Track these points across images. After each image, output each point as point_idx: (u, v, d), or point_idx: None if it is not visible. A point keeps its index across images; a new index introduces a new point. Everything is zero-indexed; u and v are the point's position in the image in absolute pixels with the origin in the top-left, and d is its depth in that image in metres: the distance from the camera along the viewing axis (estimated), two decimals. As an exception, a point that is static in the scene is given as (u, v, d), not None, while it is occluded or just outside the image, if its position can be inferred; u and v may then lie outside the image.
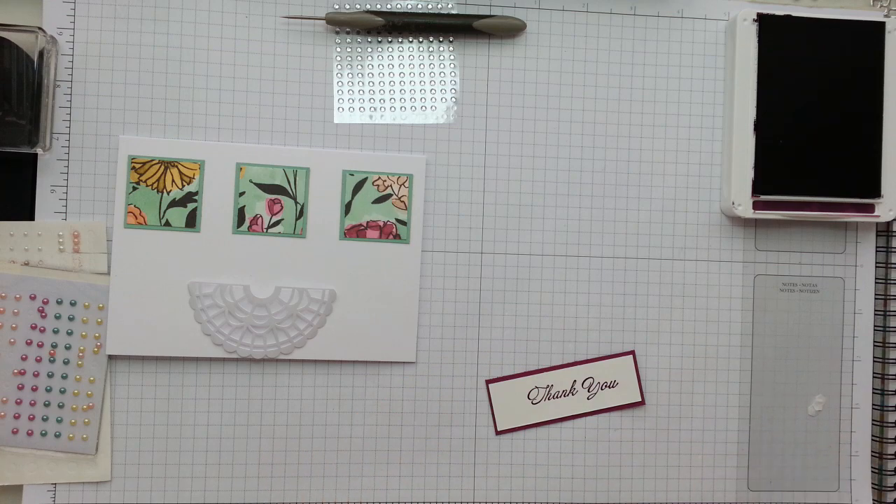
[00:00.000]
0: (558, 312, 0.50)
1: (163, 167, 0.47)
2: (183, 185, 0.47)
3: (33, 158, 0.47)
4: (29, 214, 0.47)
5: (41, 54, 0.45)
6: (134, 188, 0.47)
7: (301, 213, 0.48)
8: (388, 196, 0.48)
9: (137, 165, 0.47)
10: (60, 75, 0.47)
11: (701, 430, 0.51)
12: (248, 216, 0.48)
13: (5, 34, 0.45)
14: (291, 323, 0.47)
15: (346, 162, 0.48)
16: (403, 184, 0.49)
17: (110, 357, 0.47)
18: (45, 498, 0.47)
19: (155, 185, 0.47)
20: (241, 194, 0.48)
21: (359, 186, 0.48)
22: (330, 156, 0.48)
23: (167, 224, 0.47)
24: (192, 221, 0.47)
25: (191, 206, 0.47)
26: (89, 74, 0.47)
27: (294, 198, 0.48)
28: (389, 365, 0.49)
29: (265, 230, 0.48)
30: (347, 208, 0.48)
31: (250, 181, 0.48)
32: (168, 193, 0.47)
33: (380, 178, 0.48)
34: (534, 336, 0.50)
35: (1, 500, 0.47)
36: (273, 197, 0.48)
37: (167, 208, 0.47)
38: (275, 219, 0.48)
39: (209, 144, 0.47)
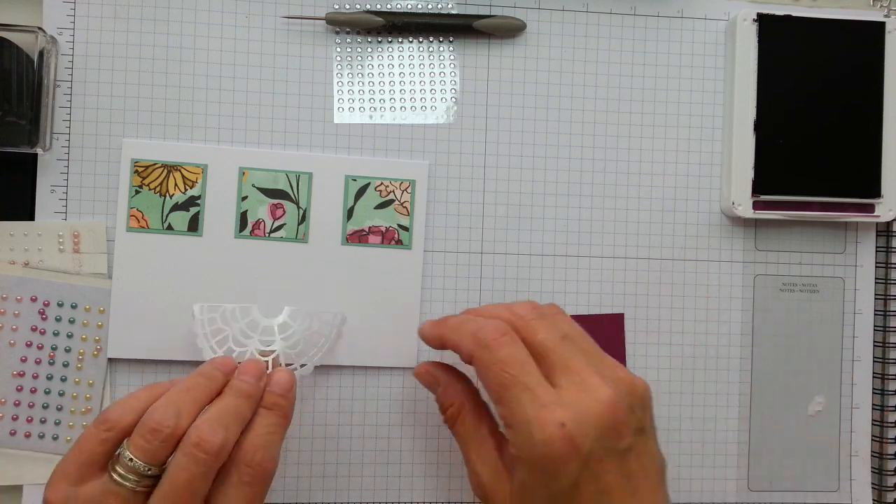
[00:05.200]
0: (558, 312, 0.50)
1: (166, 171, 0.47)
2: (186, 189, 0.47)
3: (33, 158, 0.47)
4: (29, 215, 0.47)
5: (41, 54, 0.45)
6: (137, 192, 0.47)
7: (303, 218, 0.48)
8: (391, 202, 0.48)
9: (140, 169, 0.47)
10: (60, 75, 0.47)
11: (701, 430, 0.51)
12: (251, 220, 0.48)
13: (5, 34, 0.44)
14: (302, 348, 0.45)
15: (349, 167, 0.48)
16: (406, 189, 0.48)
17: (111, 360, 0.47)
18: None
19: (158, 189, 0.47)
20: (244, 199, 0.47)
21: (361, 192, 0.48)
22: (332, 161, 0.48)
23: (169, 228, 0.47)
24: (194, 225, 0.47)
25: (193, 210, 0.47)
26: (89, 74, 0.47)
27: (296, 202, 0.48)
28: (386, 365, 0.49)
29: (267, 235, 0.48)
30: (350, 213, 0.48)
31: (253, 185, 0.47)
32: (171, 197, 0.47)
33: (382, 183, 0.48)
34: (534, 336, 0.50)
35: (1, 501, 0.47)
36: (275, 201, 0.48)
37: (170, 212, 0.47)
38: (277, 223, 0.48)
39: (212, 148, 0.47)
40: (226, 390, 0.39)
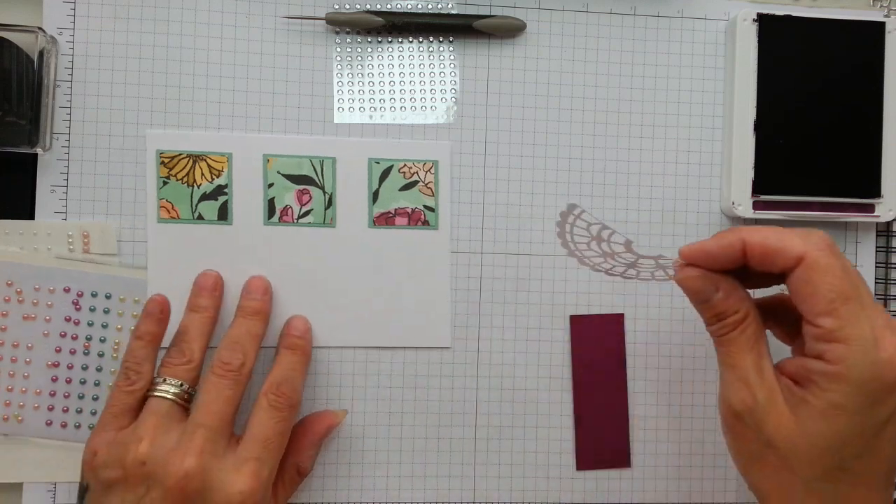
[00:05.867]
0: (558, 312, 0.50)
1: (191, 161, 0.47)
2: (213, 179, 0.47)
3: (33, 158, 0.47)
4: (29, 215, 0.47)
5: (41, 54, 0.45)
6: (164, 183, 0.47)
7: (330, 203, 0.48)
8: (415, 183, 0.49)
9: (166, 160, 0.47)
10: (60, 75, 0.47)
11: (701, 430, 0.51)
12: (279, 207, 0.48)
13: (5, 34, 0.45)
14: (651, 273, 0.42)
15: (372, 150, 0.48)
16: (429, 170, 0.49)
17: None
18: (44, 498, 0.47)
19: (185, 179, 0.47)
20: (270, 186, 0.48)
21: (385, 174, 0.48)
22: (355, 144, 0.48)
23: (199, 218, 0.47)
24: (223, 214, 0.47)
25: (221, 199, 0.47)
26: (89, 74, 0.47)
27: (322, 187, 0.48)
28: (389, 364, 0.49)
29: (296, 221, 0.48)
30: (375, 196, 0.48)
31: (278, 172, 0.48)
32: (198, 187, 0.47)
33: (405, 164, 0.49)
34: (534, 336, 0.50)
35: (1, 499, 0.47)
36: (301, 187, 0.48)
37: (199, 202, 0.47)
38: (304, 209, 0.48)
39: (236, 136, 0.48)
40: (236, 313, 0.45)
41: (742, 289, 0.38)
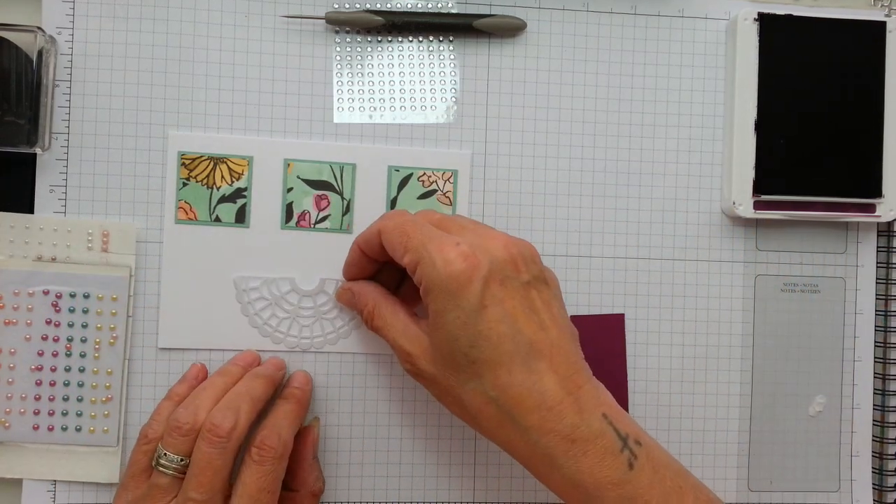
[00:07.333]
0: (558, 312, 0.50)
1: (212, 163, 0.47)
2: (232, 181, 0.47)
3: (33, 158, 0.47)
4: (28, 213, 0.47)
5: (40, 54, 0.45)
6: (184, 184, 0.47)
7: (347, 209, 0.48)
8: (434, 192, 0.49)
9: (187, 161, 0.47)
10: (60, 75, 0.47)
11: (701, 431, 0.51)
12: (296, 212, 0.48)
13: (4, 34, 0.44)
14: (337, 313, 0.48)
15: (392, 157, 0.48)
16: (448, 179, 0.49)
17: (162, 349, 0.47)
18: (44, 497, 0.47)
19: (205, 181, 0.47)
20: (289, 190, 0.48)
21: (404, 182, 0.48)
22: (375, 152, 0.48)
23: (217, 220, 0.47)
24: (241, 217, 0.47)
25: (240, 201, 0.48)
26: (89, 74, 0.47)
27: (340, 193, 0.48)
28: (389, 364, 0.49)
29: (313, 226, 0.48)
30: (393, 204, 0.48)
31: (298, 177, 0.48)
32: (217, 189, 0.47)
33: (425, 173, 0.49)
34: (534, 336, 0.50)
35: (1, 499, 0.47)
36: (320, 193, 0.48)
37: (217, 204, 0.47)
38: (322, 214, 0.48)
39: (257, 140, 0.48)
40: (243, 377, 0.45)
41: (369, 284, 0.45)
